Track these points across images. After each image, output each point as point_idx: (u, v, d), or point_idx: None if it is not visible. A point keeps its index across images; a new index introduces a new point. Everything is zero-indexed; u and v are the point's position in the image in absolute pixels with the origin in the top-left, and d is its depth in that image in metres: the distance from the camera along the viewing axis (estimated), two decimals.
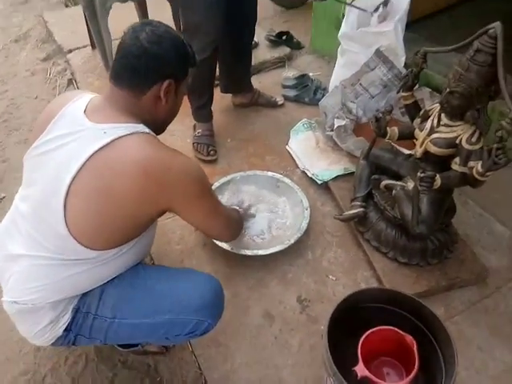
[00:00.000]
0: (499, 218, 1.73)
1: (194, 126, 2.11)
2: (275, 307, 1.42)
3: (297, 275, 1.52)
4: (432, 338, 1.11)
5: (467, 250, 1.56)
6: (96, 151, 0.94)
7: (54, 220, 0.95)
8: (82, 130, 0.98)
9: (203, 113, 2.08)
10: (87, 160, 0.94)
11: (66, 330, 1.04)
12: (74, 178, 0.94)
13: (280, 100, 2.39)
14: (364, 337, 1.05)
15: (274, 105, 2.38)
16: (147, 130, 1.02)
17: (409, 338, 1.05)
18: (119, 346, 1.30)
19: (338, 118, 2.01)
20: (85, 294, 1.06)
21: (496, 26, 1.14)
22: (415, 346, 1.04)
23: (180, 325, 1.06)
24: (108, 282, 1.07)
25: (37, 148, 1.03)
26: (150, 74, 1.00)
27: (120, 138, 0.96)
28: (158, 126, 1.11)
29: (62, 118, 1.02)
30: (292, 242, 1.56)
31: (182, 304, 1.06)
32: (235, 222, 1.34)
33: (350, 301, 1.16)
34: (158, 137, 1.08)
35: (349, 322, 1.13)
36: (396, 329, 1.07)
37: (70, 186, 0.94)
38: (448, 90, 1.27)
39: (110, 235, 1.00)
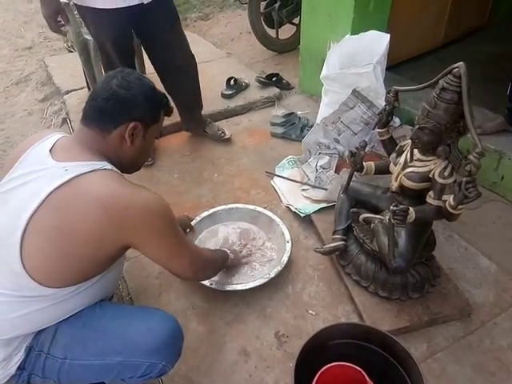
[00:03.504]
0: (485, 252, 1.72)
1: None
2: (252, 343, 1.39)
3: (276, 310, 1.49)
4: (404, 374, 1.08)
5: (450, 285, 1.53)
6: (56, 189, 0.95)
7: (10, 257, 0.94)
8: (44, 168, 0.99)
9: None
10: (46, 197, 0.94)
11: (19, 368, 1.01)
12: (32, 216, 0.94)
13: (227, 134, 2.44)
14: (322, 371, 1.02)
15: (219, 137, 2.43)
16: (110, 166, 1.04)
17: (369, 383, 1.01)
18: None
19: (320, 155, 2.06)
20: (40, 332, 1.03)
21: (460, 66, 1.18)
22: None
23: (131, 367, 1.02)
24: (64, 319, 1.04)
25: (2, 185, 1.05)
26: (115, 115, 1.05)
27: (81, 175, 0.97)
28: (126, 166, 1.13)
29: (28, 157, 1.05)
30: (272, 275, 1.54)
31: (134, 346, 1.02)
32: (202, 262, 1.26)
33: (322, 337, 1.13)
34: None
35: (321, 359, 1.10)
36: (358, 368, 1.03)
37: (27, 224, 0.94)
38: (418, 126, 1.30)
39: (67, 273, 0.99)
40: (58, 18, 1.87)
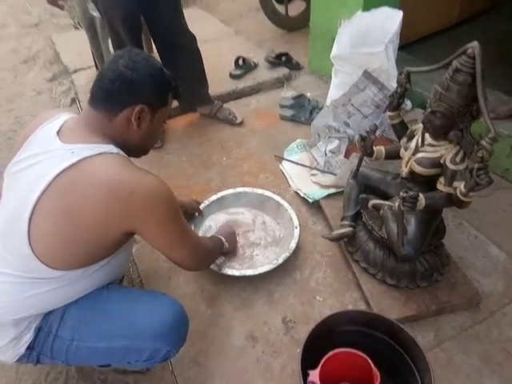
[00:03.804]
0: (495, 241, 1.69)
1: None
2: (259, 328, 1.40)
3: (284, 295, 1.50)
4: (411, 363, 1.08)
5: (459, 274, 1.52)
6: (62, 171, 0.94)
7: (19, 240, 0.95)
8: (51, 150, 0.99)
9: None
10: (53, 180, 0.94)
11: (28, 348, 1.04)
12: (39, 198, 0.94)
13: (239, 119, 2.42)
14: (328, 357, 1.03)
15: (230, 122, 2.42)
16: (116, 150, 1.03)
17: (374, 371, 1.02)
18: None
19: (329, 139, 2.03)
20: (48, 313, 1.05)
21: (474, 46, 1.11)
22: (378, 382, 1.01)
23: (136, 351, 1.04)
24: (72, 302, 1.06)
25: (12, 166, 1.05)
26: (122, 97, 1.03)
27: (86, 158, 0.96)
28: (133, 149, 1.12)
29: (36, 137, 1.04)
30: (280, 261, 1.54)
31: (138, 330, 1.03)
32: (203, 252, 1.26)
33: (329, 323, 1.14)
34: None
35: (328, 345, 1.11)
36: (364, 355, 1.05)
37: (35, 206, 0.94)
38: (429, 109, 1.25)
39: (75, 256, 0.99)
40: None
